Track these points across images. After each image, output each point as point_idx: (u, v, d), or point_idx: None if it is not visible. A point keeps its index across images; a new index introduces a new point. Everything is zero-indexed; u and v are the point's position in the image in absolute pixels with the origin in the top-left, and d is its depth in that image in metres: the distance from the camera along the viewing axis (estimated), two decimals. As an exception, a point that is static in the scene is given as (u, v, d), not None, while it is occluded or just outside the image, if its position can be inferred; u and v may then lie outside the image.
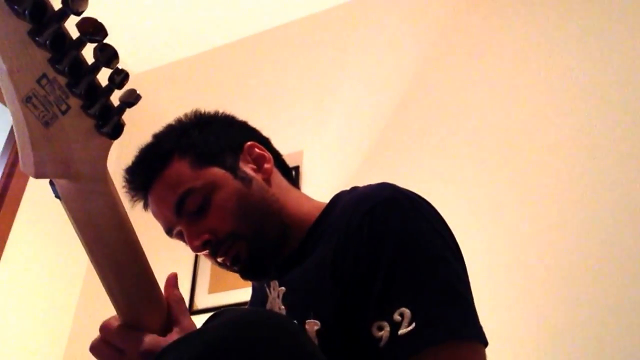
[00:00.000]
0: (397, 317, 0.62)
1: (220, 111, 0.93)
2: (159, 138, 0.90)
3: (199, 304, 1.92)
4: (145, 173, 0.85)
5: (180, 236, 0.85)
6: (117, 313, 0.66)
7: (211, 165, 0.84)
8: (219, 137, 0.88)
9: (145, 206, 0.88)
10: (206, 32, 2.47)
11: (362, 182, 1.79)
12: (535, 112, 1.71)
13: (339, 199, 0.87)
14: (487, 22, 1.96)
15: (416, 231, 0.69)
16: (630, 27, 1.67)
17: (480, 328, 0.65)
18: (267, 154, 0.90)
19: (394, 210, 0.71)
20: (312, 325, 0.70)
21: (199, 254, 0.85)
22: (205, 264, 1.98)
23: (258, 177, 0.86)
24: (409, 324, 0.61)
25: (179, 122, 0.91)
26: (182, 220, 0.82)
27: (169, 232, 0.86)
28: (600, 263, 1.38)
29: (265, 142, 0.94)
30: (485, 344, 0.65)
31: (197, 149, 0.85)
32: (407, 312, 0.62)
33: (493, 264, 1.48)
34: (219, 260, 0.84)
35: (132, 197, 0.88)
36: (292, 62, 2.31)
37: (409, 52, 2.05)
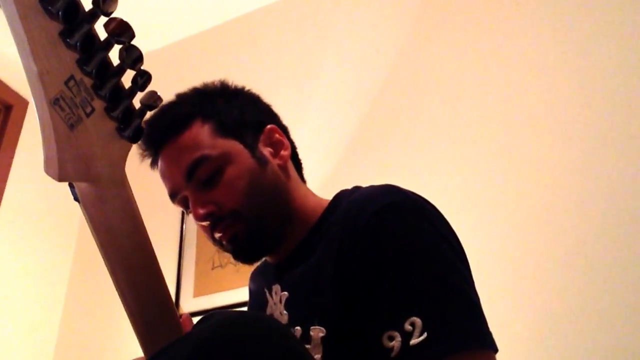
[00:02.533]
0: (408, 326, 0.61)
1: (247, 87, 0.92)
2: (182, 98, 0.87)
3: (185, 308, 1.90)
4: (163, 130, 0.82)
5: (182, 203, 0.83)
6: (136, 334, 0.65)
7: (231, 137, 0.82)
8: (243, 112, 0.86)
9: (153, 164, 0.86)
10: (181, 20, 2.43)
11: (345, 170, 1.79)
12: (527, 95, 1.66)
13: (340, 198, 0.86)
14: (473, 1, 1.90)
15: (423, 237, 0.68)
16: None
17: (490, 335, 0.65)
18: (286, 141, 0.89)
19: (401, 215, 0.70)
20: (318, 332, 0.69)
21: (200, 223, 0.82)
22: (189, 267, 1.95)
23: (274, 162, 0.85)
24: (420, 334, 0.60)
25: (206, 87, 0.88)
26: (190, 186, 0.80)
27: (173, 196, 0.83)
28: (593, 253, 1.38)
29: (285, 130, 0.92)
30: (496, 350, 0.65)
31: (221, 118, 0.83)
32: (417, 321, 0.61)
33: (482, 254, 1.45)
34: (216, 236, 0.82)
35: (143, 151, 0.86)
36: (270, 46, 2.25)
37: (392, 33, 2.00)
